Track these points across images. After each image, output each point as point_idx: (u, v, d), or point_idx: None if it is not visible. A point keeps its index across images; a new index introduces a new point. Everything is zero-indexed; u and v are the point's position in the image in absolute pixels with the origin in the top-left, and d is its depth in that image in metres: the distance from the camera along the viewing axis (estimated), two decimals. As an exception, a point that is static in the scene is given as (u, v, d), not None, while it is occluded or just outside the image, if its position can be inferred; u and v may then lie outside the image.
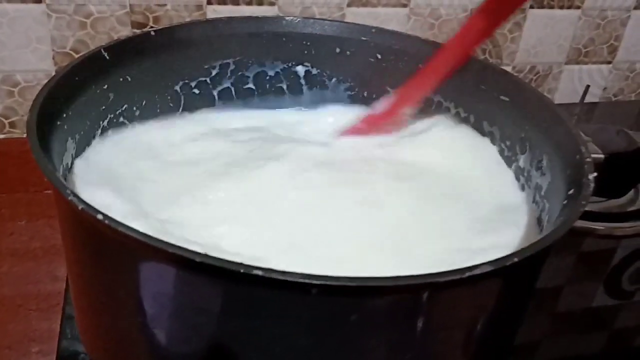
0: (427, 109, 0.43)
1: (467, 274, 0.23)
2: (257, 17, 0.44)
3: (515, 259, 0.24)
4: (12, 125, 0.57)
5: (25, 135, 0.52)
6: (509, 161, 0.39)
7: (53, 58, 0.55)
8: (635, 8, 0.69)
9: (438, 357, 0.27)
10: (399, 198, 0.36)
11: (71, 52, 0.55)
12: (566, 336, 0.43)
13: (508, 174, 0.39)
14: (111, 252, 0.27)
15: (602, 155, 0.51)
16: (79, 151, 0.36)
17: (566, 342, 0.43)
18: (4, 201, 0.50)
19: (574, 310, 0.45)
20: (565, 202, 0.30)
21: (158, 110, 0.42)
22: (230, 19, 0.43)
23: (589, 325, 0.45)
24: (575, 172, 0.31)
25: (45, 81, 0.33)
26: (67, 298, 0.41)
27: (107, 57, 0.37)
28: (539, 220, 0.35)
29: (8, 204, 0.50)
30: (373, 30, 0.44)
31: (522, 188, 0.38)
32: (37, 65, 0.55)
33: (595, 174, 0.30)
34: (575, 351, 0.42)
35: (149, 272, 0.26)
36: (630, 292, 0.48)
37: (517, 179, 0.38)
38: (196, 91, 0.43)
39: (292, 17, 0.44)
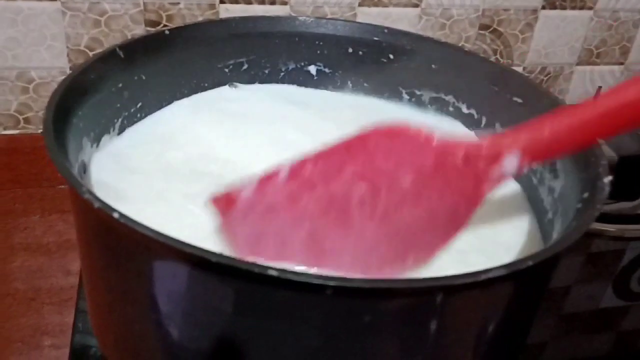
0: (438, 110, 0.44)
1: (482, 277, 0.23)
2: (270, 17, 0.44)
3: (530, 263, 0.24)
4: (27, 121, 0.57)
5: (39, 131, 0.53)
6: None
7: (67, 55, 0.55)
8: (648, 9, 0.68)
9: (450, 359, 0.27)
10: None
11: (85, 49, 0.55)
12: (574, 337, 0.43)
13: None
14: (126, 250, 0.27)
15: (615, 158, 0.51)
16: (94, 149, 0.36)
17: (574, 343, 0.43)
18: (17, 196, 0.50)
19: (582, 311, 0.45)
20: (579, 205, 0.29)
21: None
22: (244, 19, 0.43)
23: (597, 326, 0.45)
24: (590, 175, 0.30)
25: (60, 78, 0.33)
26: (80, 293, 0.41)
27: (122, 56, 0.37)
28: (551, 223, 0.34)
29: (22, 199, 0.50)
30: (385, 30, 0.44)
31: (530, 193, 0.37)
32: (52, 63, 0.55)
33: (610, 177, 0.29)
34: (583, 352, 0.42)
35: (163, 271, 0.26)
36: (639, 294, 0.48)
37: (530, 181, 0.38)
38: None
39: (305, 17, 0.44)
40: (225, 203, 0.27)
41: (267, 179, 0.26)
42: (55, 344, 0.39)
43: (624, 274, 0.49)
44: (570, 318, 0.45)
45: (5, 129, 0.58)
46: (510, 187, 0.38)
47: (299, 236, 0.26)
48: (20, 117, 0.57)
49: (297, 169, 0.27)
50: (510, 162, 0.27)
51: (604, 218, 0.50)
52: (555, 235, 0.33)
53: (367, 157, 0.26)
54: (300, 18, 0.44)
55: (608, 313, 0.46)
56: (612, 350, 0.43)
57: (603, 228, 0.51)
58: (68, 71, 0.55)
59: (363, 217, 0.26)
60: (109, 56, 0.36)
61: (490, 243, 0.33)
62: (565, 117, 0.27)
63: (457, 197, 0.27)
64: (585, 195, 0.30)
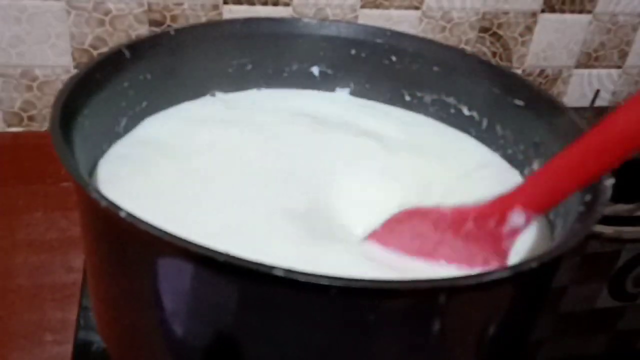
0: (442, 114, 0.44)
1: (485, 278, 0.23)
2: (274, 19, 0.44)
3: (533, 265, 0.24)
4: (31, 118, 0.57)
5: (43, 129, 0.53)
6: (522, 165, 0.39)
7: (72, 54, 0.55)
8: (647, 13, 0.69)
9: (452, 358, 0.28)
10: None
11: (89, 48, 0.55)
12: (569, 337, 0.44)
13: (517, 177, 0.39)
14: (133, 249, 0.27)
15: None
16: (100, 147, 0.36)
17: (569, 343, 0.43)
18: (20, 192, 0.50)
19: (578, 311, 0.46)
20: (581, 208, 0.29)
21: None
22: (248, 20, 0.43)
23: (592, 326, 0.45)
24: None
25: (64, 76, 0.33)
26: (83, 290, 0.41)
27: (128, 55, 0.37)
28: (552, 225, 0.35)
29: (25, 196, 0.50)
30: (388, 33, 0.44)
31: None
32: (56, 61, 0.55)
33: (612, 180, 0.29)
34: (578, 352, 0.43)
35: (170, 269, 0.26)
36: (634, 295, 0.48)
37: None
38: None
39: (309, 19, 0.44)
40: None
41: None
42: (57, 339, 0.39)
43: (619, 275, 0.49)
44: (566, 318, 0.45)
45: (9, 126, 0.58)
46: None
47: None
48: (24, 115, 0.57)
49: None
50: (517, 218, 0.29)
51: (602, 219, 0.50)
52: (556, 237, 0.33)
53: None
54: (304, 20, 0.44)
55: (604, 313, 0.46)
56: (607, 351, 0.43)
57: (600, 230, 0.51)
58: (72, 70, 0.55)
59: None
60: (115, 55, 0.37)
61: None
62: (557, 163, 0.29)
63: (484, 256, 0.30)
64: (588, 197, 0.30)
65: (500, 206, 0.30)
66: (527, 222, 0.29)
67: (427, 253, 0.31)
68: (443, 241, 0.31)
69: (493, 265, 0.30)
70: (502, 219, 0.29)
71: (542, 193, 0.29)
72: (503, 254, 0.30)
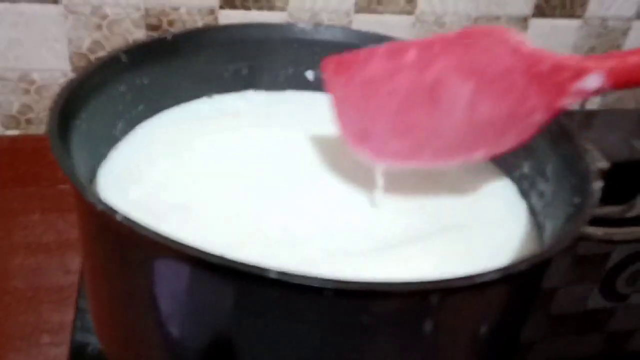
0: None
1: (477, 280, 0.24)
2: (270, 24, 0.44)
3: (523, 267, 0.25)
4: (28, 122, 0.58)
5: (40, 132, 0.53)
6: (511, 168, 0.39)
7: (69, 58, 0.55)
8: (637, 18, 0.69)
9: (444, 358, 0.28)
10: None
11: (87, 52, 0.55)
12: (561, 337, 0.44)
13: (507, 181, 0.39)
14: (129, 251, 0.27)
15: (607, 164, 0.51)
16: (97, 150, 0.37)
17: (561, 344, 0.43)
18: (17, 195, 0.50)
19: (569, 312, 0.46)
20: (570, 210, 0.30)
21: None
22: (244, 25, 0.43)
23: (584, 327, 0.45)
24: (581, 181, 0.31)
25: (61, 80, 0.33)
26: (80, 291, 0.41)
27: (125, 60, 0.37)
28: (541, 227, 0.35)
29: (22, 198, 0.50)
30: (382, 37, 0.44)
31: (523, 195, 0.38)
32: (54, 65, 0.55)
33: (601, 183, 0.30)
34: (570, 353, 0.43)
35: (165, 272, 0.26)
36: (625, 295, 0.48)
37: (521, 185, 0.38)
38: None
39: (304, 24, 0.44)
40: (334, 67, 0.31)
41: (373, 53, 0.30)
42: (54, 341, 0.39)
43: (610, 276, 0.49)
44: (558, 319, 0.45)
45: (7, 129, 0.58)
46: (507, 189, 0.38)
47: (389, 113, 0.30)
48: (22, 118, 0.57)
49: (399, 50, 0.30)
50: (593, 80, 0.29)
51: (592, 221, 0.51)
52: (545, 238, 0.33)
53: (462, 51, 0.30)
54: (299, 25, 0.44)
55: (595, 314, 0.46)
56: (599, 351, 0.43)
57: (591, 231, 0.51)
58: (70, 73, 0.56)
59: (449, 104, 0.30)
60: (112, 60, 0.37)
61: (489, 244, 0.33)
62: None
63: (537, 103, 0.29)
64: (577, 200, 0.30)
65: (582, 64, 0.30)
66: (598, 89, 0.29)
67: (489, 78, 0.29)
68: (509, 71, 0.30)
69: (536, 117, 0.29)
70: (577, 76, 0.29)
71: (626, 68, 0.29)
72: (555, 110, 0.30)
